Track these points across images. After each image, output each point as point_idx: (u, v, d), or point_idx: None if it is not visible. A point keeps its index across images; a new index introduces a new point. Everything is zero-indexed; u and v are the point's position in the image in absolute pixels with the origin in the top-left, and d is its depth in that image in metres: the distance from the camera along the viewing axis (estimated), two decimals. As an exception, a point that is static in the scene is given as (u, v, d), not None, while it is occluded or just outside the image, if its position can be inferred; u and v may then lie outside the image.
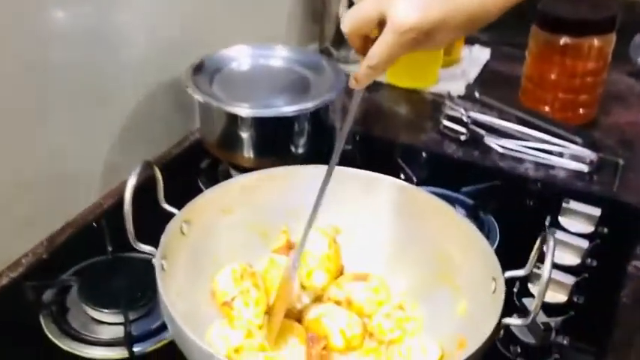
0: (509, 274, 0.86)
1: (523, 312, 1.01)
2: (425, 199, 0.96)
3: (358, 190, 0.97)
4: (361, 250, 1.00)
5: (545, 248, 0.80)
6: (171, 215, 0.91)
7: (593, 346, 1.01)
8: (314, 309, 0.94)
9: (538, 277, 1.04)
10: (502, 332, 0.82)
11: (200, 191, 1.24)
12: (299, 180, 0.98)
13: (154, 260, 0.84)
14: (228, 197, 0.96)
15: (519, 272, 0.86)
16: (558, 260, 1.06)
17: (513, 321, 0.81)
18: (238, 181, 0.97)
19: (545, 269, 0.76)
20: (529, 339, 1.00)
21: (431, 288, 0.95)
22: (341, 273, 0.98)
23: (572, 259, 1.10)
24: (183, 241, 0.89)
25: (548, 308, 1.01)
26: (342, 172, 1.02)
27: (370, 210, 0.99)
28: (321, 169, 1.04)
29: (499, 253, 1.03)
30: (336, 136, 0.79)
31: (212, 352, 0.74)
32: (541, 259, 0.80)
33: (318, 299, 0.95)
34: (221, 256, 0.94)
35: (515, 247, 1.09)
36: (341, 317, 0.93)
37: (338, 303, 0.93)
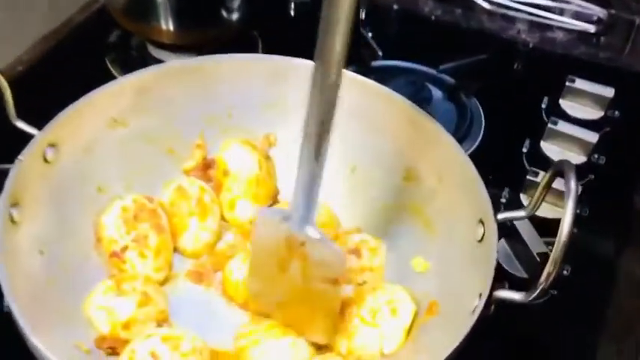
0: (505, 216, 0.64)
1: (510, 238, 0.78)
2: (388, 98, 0.73)
3: (299, 86, 0.71)
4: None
5: (564, 185, 0.56)
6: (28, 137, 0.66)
7: (602, 272, 0.80)
8: (238, 264, 0.71)
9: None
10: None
11: (109, 73, 0.99)
12: (217, 75, 0.76)
13: (-3, 209, 0.60)
14: (118, 103, 0.72)
15: (519, 213, 0.64)
16: (557, 158, 0.89)
17: (510, 295, 0.58)
18: (130, 80, 0.72)
19: (565, 226, 0.53)
20: (520, 272, 0.78)
21: (394, 224, 0.73)
22: (275, 200, 0.77)
23: (574, 158, 0.90)
24: (48, 173, 0.67)
25: (543, 225, 0.79)
26: (275, 61, 0.76)
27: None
28: (249, 59, 0.78)
29: (483, 149, 0.88)
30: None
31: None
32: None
33: (244, 236, 0.75)
34: (110, 186, 0.73)
35: (503, 140, 0.92)
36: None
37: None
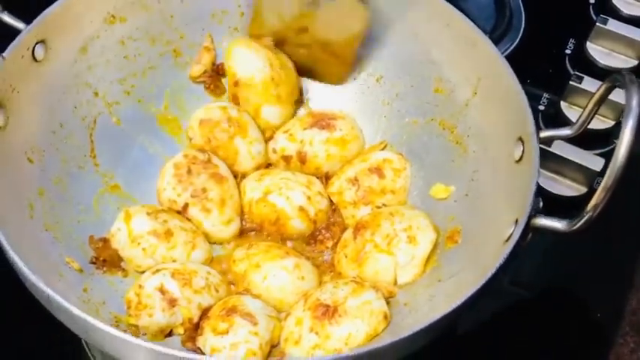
0: (549, 133, 0.57)
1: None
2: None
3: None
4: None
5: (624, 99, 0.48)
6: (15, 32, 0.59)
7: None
8: (253, 184, 0.65)
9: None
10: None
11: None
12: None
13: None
14: (116, -4, 0.65)
15: (564, 131, 0.57)
16: (604, 62, 0.80)
17: (551, 223, 0.52)
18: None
19: (622, 148, 0.46)
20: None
21: (422, 142, 0.67)
22: (300, 99, 0.70)
23: (624, 61, 0.80)
24: (36, 74, 0.61)
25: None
26: None
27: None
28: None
29: (522, 49, 0.80)
30: None
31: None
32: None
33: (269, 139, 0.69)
34: (107, 91, 0.67)
35: (545, 40, 0.83)
36: (296, 188, 0.64)
37: (287, 159, 0.67)
